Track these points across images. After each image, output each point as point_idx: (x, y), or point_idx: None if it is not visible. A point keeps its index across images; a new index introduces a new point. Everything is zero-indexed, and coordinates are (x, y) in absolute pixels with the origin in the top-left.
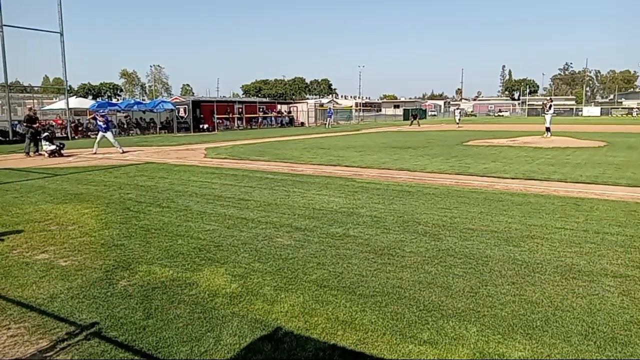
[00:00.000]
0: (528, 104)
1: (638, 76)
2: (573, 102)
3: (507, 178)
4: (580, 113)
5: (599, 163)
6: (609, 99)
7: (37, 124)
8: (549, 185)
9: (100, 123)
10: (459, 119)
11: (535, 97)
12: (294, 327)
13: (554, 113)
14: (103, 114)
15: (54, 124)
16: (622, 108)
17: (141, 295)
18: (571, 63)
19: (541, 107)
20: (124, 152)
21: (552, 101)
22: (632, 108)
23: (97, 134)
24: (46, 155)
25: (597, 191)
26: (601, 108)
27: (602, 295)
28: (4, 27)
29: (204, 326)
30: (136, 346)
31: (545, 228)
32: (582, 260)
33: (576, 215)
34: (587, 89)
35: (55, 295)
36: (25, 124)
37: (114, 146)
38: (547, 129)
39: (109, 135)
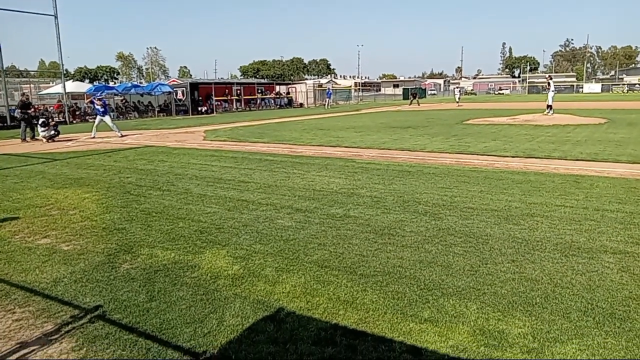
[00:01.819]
0: (529, 82)
1: (639, 52)
2: (574, 79)
3: (508, 156)
4: (580, 90)
5: (600, 140)
6: (610, 75)
7: (32, 109)
8: (549, 163)
9: (98, 107)
10: (459, 98)
11: (536, 75)
12: (296, 307)
13: (554, 90)
14: (100, 97)
15: (50, 108)
16: (623, 84)
17: (144, 278)
18: (572, 39)
19: (542, 86)
20: (122, 135)
21: (551, 78)
22: (635, 84)
23: (95, 118)
24: (44, 140)
25: (597, 168)
26: (602, 84)
27: (601, 272)
28: None
29: (207, 308)
30: (140, 328)
31: (545, 206)
32: (582, 237)
33: (576, 192)
34: (588, 65)
35: (58, 279)
36: (20, 110)
37: (112, 130)
38: (549, 107)
39: (107, 119)
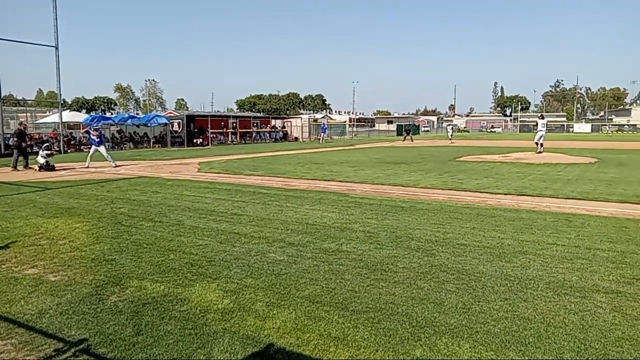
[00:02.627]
0: (520, 121)
1: (628, 93)
2: (564, 119)
3: (500, 194)
4: (571, 129)
5: (590, 179)
6: (600, 116)
7: (28, 140)
8: (540, 201)
9: (94, 137)
10: (451, 135)
11: (527, 114)
12: (286, 343)
13: (542, 129)
14: (97, 127)
15: (45, 137)
16: (613, 125)
17: (131, 311)
18: (562, 80)
19: (534, 124)
20: (116, 166)
21: (542, 117)
22: (624, 125)
23: (89, 148)
24: (36, 169)
25: (589, 207)
26: (592, 125)
27: (594, 312)
28: None
29: (195, 342)
30: None
31: (537, 244)
32: (574, 276)
33: (568, 231)
34: (578, 105)
35: (44, 310)
36: (15, 139)
37: (107, 160)
38: (540, 145)
39: (102, 149)
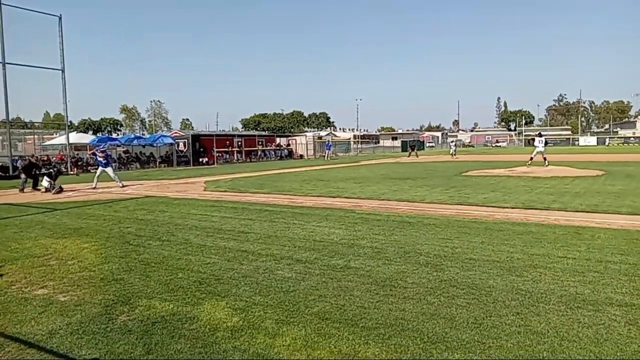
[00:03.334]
0: (525, 134)
1: (632, 106)
2: (569, 132)
3: (507, 207)
4: (576, 143)
5: (598, 192)
6: (605, 129)
7: (36, 170)
8: (549, 215)
9: (100, 158)
10: (454, 151)
11: (531, 128)
12: None
13: (538, 145)
14: (103, 149)
15: (52, 159)
16: (619, 137)
17: (141, 330)
18: (565, 94)
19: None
20: (123, 186)
21: (540, 135)
22: (629, 137)
23: (96, 169)
24: (42, 190)
25: (598, 220)
26: (597, 137)
27: (608, 325)
28: (6, 64)
29: None
30: None
31: (547, 257)
32: (586, 289)
33: (578, 244)
34: (582, 119)
35: (54, 331)
36: (23, 167)
37: (114, 180)
38: (544, 159)
39: (108, 170)
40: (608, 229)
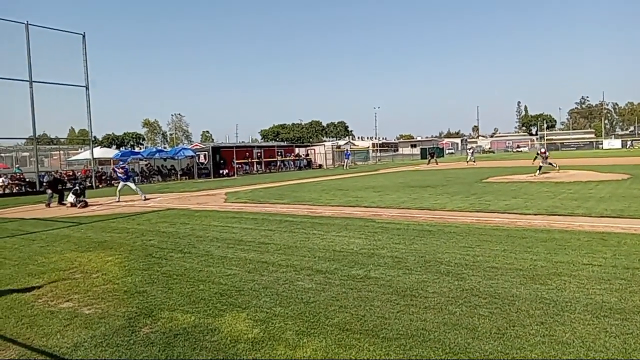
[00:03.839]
0: (547, 139)
1: None
2: (592, 135)
3: (530, 214)
4: (600, 146)
5: (624, 196)
6: (630, 131)
7: (61, 186)
8: (573, 220)
9: (120, 174)
10: (469, 158)
11: (554, 132)
12: None
13: (541, 158)
14: (122, 165)
15: (78, 174)
16: (634, 140)
17: (163, 342)
18: (587, 97)
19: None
20: (146, 199)
21: (545, 153)
22: None
23: (119, 183)
24: (68, 205)
25: (624, 225)
26: (622, 140)
27: (636, 334)
28: (33, 83)
29: None
30: None
31: (572, 265)
32: (613, 297)
33: (603, 250)
34: (606, 121)
35: (79, 343)
36: (45, 184)
37: (137, 194)
38: (540, 168)
39: (130, 184)
40: (635, 235)
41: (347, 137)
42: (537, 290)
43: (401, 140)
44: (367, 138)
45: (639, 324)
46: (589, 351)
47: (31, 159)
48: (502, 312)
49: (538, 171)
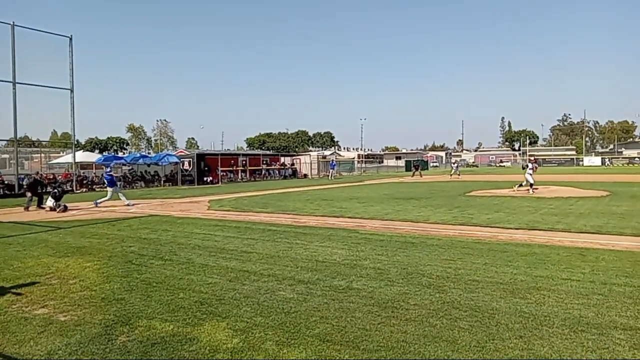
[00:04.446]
0: (529, 154)
1: (636, 126)
2: (573, 152)
3: (511, 228)
4: (581, 163)
5: (603, 212)
6: (609, 149)
7: (41, 188)
8: (553, 236)
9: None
10: (454, 171)
11: (536, 148)
12: None
13: (531, 169)
14: (109, 172)
15: (58, 177)
16: (623, 158)
17: (140, 351)
18: (569, 114)
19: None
20: (130, 205)
21: (535, 161)
22: (634, 157)
23: (104, 187)
24: (47, 209)
25: (602, 241)
26: (602, 157)
27: (612, 349)
28: (17, 84)
29: None
30: None
31: (551, 279)
32: (590, 312)
33: (582, 265)
34: (587, 139)
35: (53, 351)
36: (28, 185)
37: (120, 199)
38: (529, 184)
39: (113, 189)
40: (612, 251)
41: (333, 148)
42: (517, 304)
43: (386, 152)
44: (353, 149)
45: (615, 339)
46: None
47: (11, 161)
48: (482, 325)
49: (523, 185)
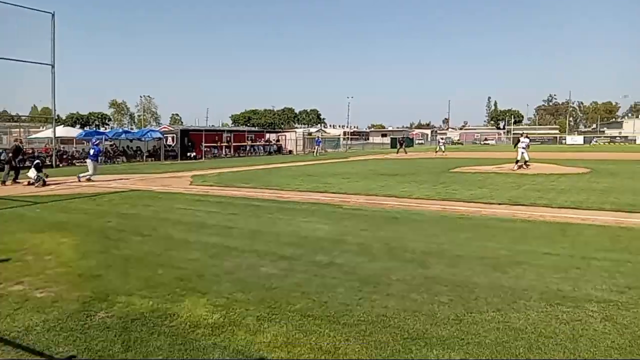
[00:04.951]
0: (513, 133)
1: (619, 107)
2: (557, 131)
3: (494, 204)
4: (563, 141)
5: (583, 189)
6: (592, 128)
7: (22, 156)
8: (535, 211)
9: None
10: (439, 148)
11: (520, 127)
12: (277, 357)
13: (523, 147)
14: (96, 143)
15: (43, 153)
16: (605, 137)
17: (120, 327)
18: (555, 95)
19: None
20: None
21: (526, 137)
22: (615, 137)
23: (84, 162)
24: (25, 183)
25: (582, 216)
26: (584, 137)
27: (585, 321)
28: None
29: (185, 358)
30: None
31: (532, 254)
32: (568, 285)
33: (562, 240)
34: (571, 119)
35: (30, 327)
36: (11, 155)
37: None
38: (517, 161)
39: (94, 162)
40: (592, 226)
41: (319, 125)
42: (497, 279)
43: (372, 129)
44: (339, 126)
45: (588, 311)
46: (540, 337)
47: None
48: (461, 299)
49: (517, 164)
